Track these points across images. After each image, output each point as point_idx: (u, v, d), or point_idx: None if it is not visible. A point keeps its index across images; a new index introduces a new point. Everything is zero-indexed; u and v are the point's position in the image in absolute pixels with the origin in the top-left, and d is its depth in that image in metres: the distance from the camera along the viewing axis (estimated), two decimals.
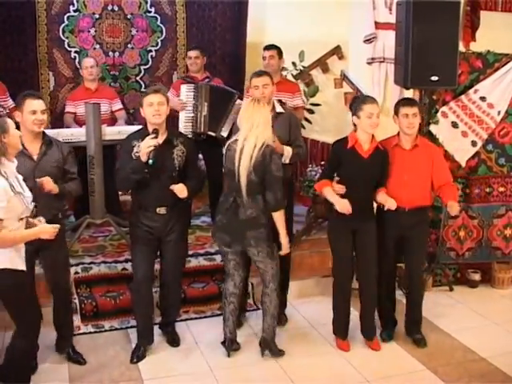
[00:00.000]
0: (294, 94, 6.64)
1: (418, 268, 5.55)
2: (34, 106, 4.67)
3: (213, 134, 6.66)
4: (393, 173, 5.24)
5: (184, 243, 5.46)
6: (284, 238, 5.05)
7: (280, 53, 6.67)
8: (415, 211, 5.29)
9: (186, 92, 6.83)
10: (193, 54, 7.16)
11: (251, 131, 4.87)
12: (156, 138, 4.90)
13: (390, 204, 5.07)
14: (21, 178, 4.26)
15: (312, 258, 6.55)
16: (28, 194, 4.21)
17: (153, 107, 4.92)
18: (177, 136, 5.20)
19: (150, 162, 4.85)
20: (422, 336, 5.56)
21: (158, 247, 5.27)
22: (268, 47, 6.73)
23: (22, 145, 4.45)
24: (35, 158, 4.77)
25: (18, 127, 4.37)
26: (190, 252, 6.41)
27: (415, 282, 5.54)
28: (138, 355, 5.25)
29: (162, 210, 5.11)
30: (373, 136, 5.15)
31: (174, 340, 5.50)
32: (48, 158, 4.80)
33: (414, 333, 5.57)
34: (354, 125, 5.17)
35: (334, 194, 5.12)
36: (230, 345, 5.32)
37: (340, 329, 5.48)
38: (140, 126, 5.41)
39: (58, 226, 4.27)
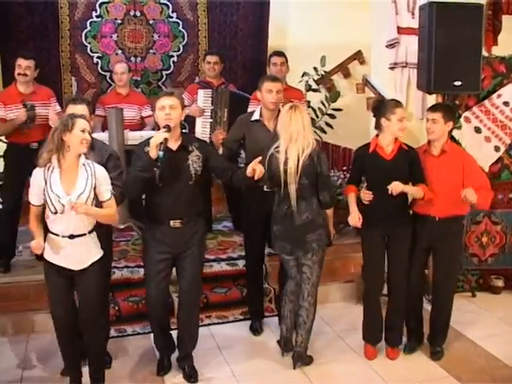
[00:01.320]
0: (300, 101, 6.62)
1: (446, 283, 5.40)
2: (74, 111, 4.65)
3: None
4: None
5: (201, 259, 5.13)
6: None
7: (287, 60, 6.72)
8: (447, 221, 5.20)
9: (204, 97, 6.84)
10: (212, 59, 7.15)
11: (291, 142, 4.89)
12: (168, 132, 4.62)
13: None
14: (83, 177, 4.35)
15: (334, 264, 6.52)
16: (72, 195, 4.28)
17: (164, 111, 4.67)
18: (192, 141, 4.91)
19: (161, 154, 4.51)
20: (440, 349, 5.46)
21: (173, 264, 4.95)
22: (279, 53, 6.75)
23: None
24: None
25: None
26: (212, 257, 6.45)
27: (442, 297, 5.43)
28: (163, 367, 5.15)
29: (176, 223, 4.81)
30: (396, 138, 5.14)
31: (191, 375, 5.08)
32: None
33: (435, 345, 5.47)
34: (377, 129, 5.16)
35: (353, 202, 5.14)
36: (286, 344, 5.31)
37: (370, 335, 5.43)
38: None
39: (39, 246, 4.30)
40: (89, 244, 4.46)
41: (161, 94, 5.03)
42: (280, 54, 6.72)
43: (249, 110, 6.38)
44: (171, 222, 4.79)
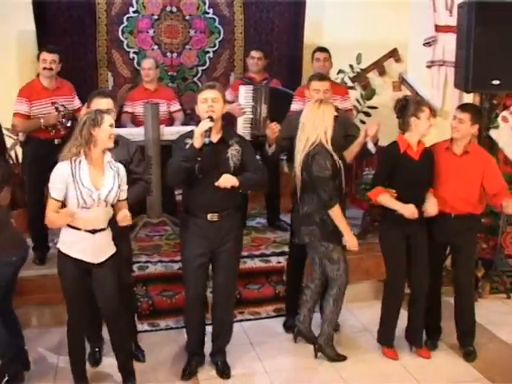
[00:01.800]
0: (343, 97, 6.61)
1: (466, 279, 5.40)
2: (99, 105, 4.72)
3: None
4: (441, 177, 5.18)
5: (237, 255, 5.12)
6: (346, 234, 5.07)
7: (330, 56, 6.70)
8: (462, 218, 5.19)
9: (245, 93, 6.85)
10: (257, 54, 7.16)
11: (302, 132, 5.01)
12: (211, 122, 4.63)
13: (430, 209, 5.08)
14: (111, 173, 4.43)
15: (367, 262, 6.50)
16: (101, 190, 4.35)
17: (207, 103, 4.69)
18: (232, 135, 4.95)
19: (206, 140, 4.58)
20: (473, 349, 5.43)
21: (210, 259, 4.96)
22: (322, 49, 6.73)
23: None
24: None
25: None
26: (246, 253, 6.45)
27: (463, 293, 5.41)
28: (189, 372, 5.10)
29: (214, 217, 4.82)
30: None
31: (223, 371, 5.10)
32: (114, 158, 4.76)
33: (466, 345, 5.44)
34: (401, 128, 5.15)
35: (394, 200, 5.07)
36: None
37: (388, 337, 5.41)
38: None
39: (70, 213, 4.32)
40: (107, 238, 4.54)
41: (202, 87, 5.08)
42: (323, 49, 6.71)
43: (292, 106, 6.40)
44: (209, 216, 4.81)
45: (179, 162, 4.66)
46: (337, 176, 5.02)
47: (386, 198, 5.08)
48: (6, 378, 4.76)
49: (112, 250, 4.58)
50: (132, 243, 6.34)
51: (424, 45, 6.79)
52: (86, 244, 4.41)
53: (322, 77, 5.59)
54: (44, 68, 6.13)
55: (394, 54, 8.16)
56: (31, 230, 6.29)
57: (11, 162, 6.52)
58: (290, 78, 7.85)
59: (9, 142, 5.90)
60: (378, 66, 8.28)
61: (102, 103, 4.77)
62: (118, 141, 4.78)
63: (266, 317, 6.06)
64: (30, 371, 4.99)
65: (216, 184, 4.68)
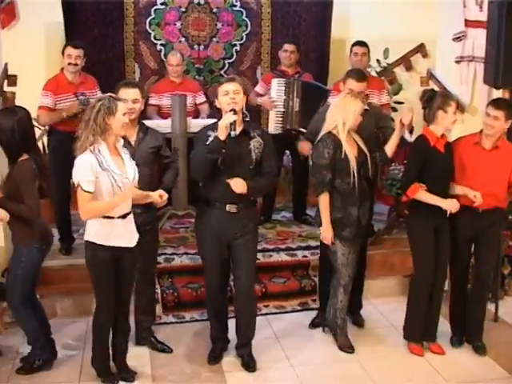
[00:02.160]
0: (380, 91, 6.61)
1: (487, 273, 5.42)
2: (126, 95, 4.77)
3: (304, 130, 6.64)
4: (468, 171, 5.14)
5: (255, 247, 5.14)
6: (323, 224, 5.14)
7: (369, 51, 6.69)
8: (490, 213, 5.17)
9: (277, 86, 6.87)
10: (290, 47, 7.16)
11: (324, 122, 5.13)
12: (235, 114, 4.68)
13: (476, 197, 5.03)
14: (127, 156, 4.52)
15: (393, 258, 6.51)
16: (128, 173, 4.44)
17: (228, 96, 4.73)
18: (254, 128, 4.98)
19: (233, 134, 4.64)
20: (482, 344, 5.41)
21: (229, 250, 4.98)
22: (360, 43, 6.74)
23: None
24: (133, 143, 4.89)
25: None
26: (271, 247, 6.50)
27: (481, 287, 5.39)
28: (214, 357, 5.20)
29: (232, 208, 4.84)
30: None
31: (249, 364, 5.12)
32: (145, 144, 4.92)
33: (475, 340, 5.43)
34: (426, 119, 5.15)
35: (433, 195, 5.02)
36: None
37: (415, 332, 5.39)
38: None
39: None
40: (133, 221, 4.61)
41: (222, 80, 5.16)
42: (362, 43, 6.72)
43: (329, 101, 6.38)
44: (227, 207, 4.84)
45: (204, 155, 4.70)
46: (340, 166, 5.02)
47: (425, 195, 5.03)
48: (36, 364, 4.89)
49: (137, 233, 4.67)
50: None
51: (453, 40, 6.72)
52: (121, 230, 4.48)
53: (360, 77, 5.45)
54: (69, 63, 6.15)
55: (421, 49, 8.11)
56: (57, 221, 6.34)
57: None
58: (317, 73, 7.83)
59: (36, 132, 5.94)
60: (405, 61, 8.24)
61: (129, 93, 4.82)
62: (148, 129, 4.99)
63: (291, 310, 6.05)
64: (56, 360, 5.04)
65: (227, 181, 4.72)
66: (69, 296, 5.89)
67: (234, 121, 4.66)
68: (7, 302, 5.01)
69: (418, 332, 5.39)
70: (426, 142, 5.08)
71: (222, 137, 4.64)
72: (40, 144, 6.77)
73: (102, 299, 4.63)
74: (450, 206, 5.01)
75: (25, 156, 4.55)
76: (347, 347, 5.36)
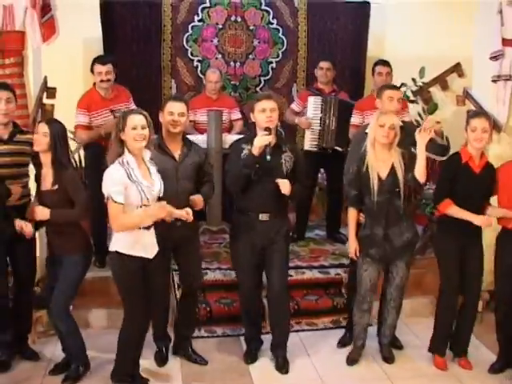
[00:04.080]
0: (402, 110, 6.64)
1: None
2: (172, 108, 4.95)
3: (340, 149, 6.73)
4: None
5: (287, 253, 5.38)
6: (349, 239, 5.33)
7: (391, 70, 6.77)
8: None
9: (314, 104, 6.97)
10: (325, 65, 7.23)
11: None
12: (269, 135, 4.88)
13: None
14: (154, 169, 4.65)
15: (427, 278, 6.55)
16: (155, 186, 4.57)
17: (265, 113, 4.93)
18: (285, 142, 5.21)
19: (268, 158, 4.88)
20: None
21: (262, 256, 5.22)
22: (384, 63, 6.80)
23: (165, 144, 4.92)
24: (177, 157, 5.02)
25: (160, 127, 4.89)
26: (304, 264, 6.57)
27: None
28: (251, 358, 5.44)
29: (264, 217, 5.10)
30: (482, 152, 5.15)
31: (282, 367, 5.33)
32: (188, 160, 5.04)
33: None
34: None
35: (462, 210, 5.06)
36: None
37: (439, 346, 5.45)
38: None
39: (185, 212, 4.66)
40: (154, 234, 4.68)
41: (259, 96, 5.28)
42: (386, 63, 6.77)
43: (352, 120, 6.52)
44: (260, 215, 5.09)
45: (239, 170, 4.93)
46: (364, 183, 5.07)
47: (456, 210, 5.08)
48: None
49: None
50: None
51: (490, 59, 6.75)
52: (145, 240, 4.59)
53: (395, 86, 5.73)
54: (101, 80, 6.24)
55: (457, 68, 8.17)
56: (93, 233, 6.45)
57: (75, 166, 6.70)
58: (352, 92, 7.89)
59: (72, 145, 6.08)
60: (441, 81, 8.29)
61: (176, 106, 4.97)
62: (192, 144, 5.15)
63: (322, 328, 6.09)
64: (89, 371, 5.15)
65: (277, 181, 4.94)
66: (101, 308, 6.00)
67: (270, 142, 4.88)
68: (49, 315, 5.06)
69: (442, 346, 5.44)
70: (457, 158, 5.15)
71: (256, 153, 4.87)
72: (76, 157, 6.95)
73: (131, 311, 4.68)
74: (482, 221, 5.05)
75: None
76: (352, 360, 5.46)
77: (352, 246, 5.23)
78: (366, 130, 5.28)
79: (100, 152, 5.83)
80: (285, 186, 4.95)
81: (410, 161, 5.07)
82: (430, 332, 5.63)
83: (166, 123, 4.96)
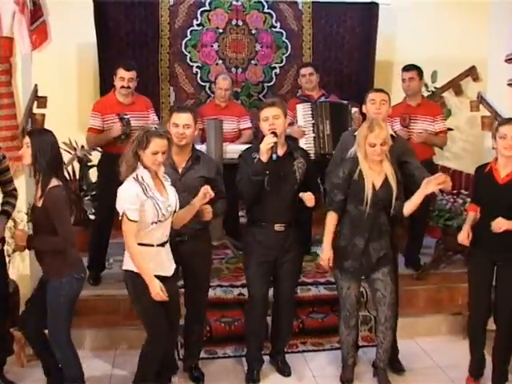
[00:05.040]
0: (435, 118, 6.56)
1: None
2: (177, 120, 4.89)
3: None
4: None
5: (300, 265, 5.45)
6: (324, 245, 5.12)
7: (420, 73, 6.66)
8: None
9: (303, 112, 6.84)
10: (307, 70, 7.18)
11: None
12: (275, 136, 4.84)
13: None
14: (168, 183, 4.61)
15: (440, 294, 6.42)
16: (170, 200, 4.52)
17: (268, 122, 4.93)
18: (296, 149, 5.24)
19: (274, 156, 4.83)
20: None
21: (273, 269, 5.20)
22: (407, 68, 6.70)
23: (171, 158, 4.74)
24: (180, 170, 4.95)
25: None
26: (310, 280, 6.47)
27: None
28: (252, 379, 5.32)
29: (279, 227, 5.09)
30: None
31: (284, 369, 5.45)
32: (193, 173, 4.94)
33: None
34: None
35: (468, 220, 5.06)
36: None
37: (473, 369, 5.29)
38: None
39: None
40: (170, 250, 4.64)
41: (263, 104, 5.27)
42: (408, 68, 6.70)
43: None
44: (276, 226, 5.09)
45: (249, 177, 4.92)
46: (354, 191, 4.93)
47: (467, 217, 5.14)
48: None
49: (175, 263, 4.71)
50: None
51: (506, 61, 6.67)
52: (161, 258, 4.53)
53: (378, 90, 5.52)
54: (122, 87, 6.19)
55: (471, 72, 8.06)
56: (92, 246, 6.36)
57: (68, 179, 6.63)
58: (360, 97, 7.75)
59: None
60: (455, 85, 8.20)
61: (181, 118, 4.91)
62: (200, 157, 5.05)
63: (330, 348, 5.96)
64: None
65: (301, 195, 4.95)
66: (95, 329, 5.88)
67: (275, 143, 4.83)
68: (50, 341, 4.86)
69: (474, 370, 5.28)
70: (482, 168, 5.12)
71: (264, 159, 4.85)
72: (70, 169, 6.89)
73: (154, 331, 4.58)
74: (460, 236, 5.04)
75: (55, 182, 4.53)
76: (346, 380, 5.34)
77: (326, 254, 5.04)
78: (355, 133, 5.13)
79: (110, 160, 5.71)
80: (309, 198, 4.94)
81: (399, 184, 4.96)
82: (443, 351, 5.54)
83: (172, 136, 4.80)
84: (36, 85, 6.49)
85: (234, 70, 8.24)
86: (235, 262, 6.84)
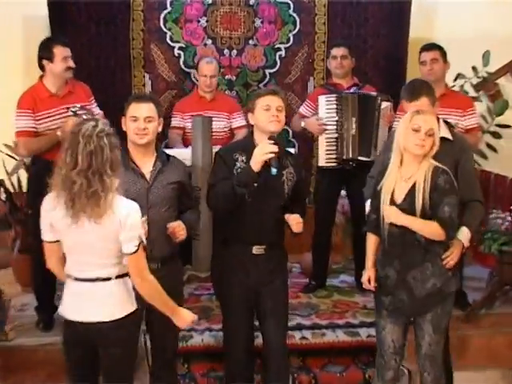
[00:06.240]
0: (465, 111, 6.47)
1: None
2: (135, 112, 4.80)
3: (366, 159, 6.55)
4: None
5: (286, 293, 5.31)
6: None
7: (444, 54, 6.57)
8: None
9: (326, 105, 6.81)
10: (339, 51, 7.08)
11: None
12: (275, 144, 4.78)
13: None
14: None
15: (495, 341, 6.35)
16: None
17: (270, 112, 4.86)
18: (286, 155, 5.16)
19: (274, 171, 4.76)
20: None
21: (254, 303, 5.16)
22: (428, 47, 6.68)
23: (132, 161, 4.85)
24: (148, 177, 4.87)
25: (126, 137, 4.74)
26: (325, 323, 6.42)
27: None
28: None
29: (259, 250, 5.03)
30: None
31: None
32: (163, 179, 4.88)
33: None
34: None
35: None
36: None
37: None
38: None
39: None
40: None
41: (262, 91, 5.23)
42: (429, 47, 6.66)
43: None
44: (254, 248, 5.03)
45: (230, 187, 4.80)
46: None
47: None
48: None
49: None
50: None
51: None
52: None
53: (412, 96, 5.20)
54: (68, 68, 6.09)
55: None
56: (36, 283, 6.29)
57: (11, 191, 6.56)
58: (389, 85, 7.75)
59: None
60: None
61: (141, 109, 4.82)
62: (170, 159, 5.07)
63: None
64: None
65: (286, 218, 4.96)
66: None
67: (276, 153, 4.75)
68: None
69: None
70: None
71: (256, 168, 4.75)
72: (15, 179, 6.82)
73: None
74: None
75: None
76: None
77: (366, 276, 5.05)
78: None
79: (48, 169, 5.56)
80: (297, 223, 4.93)
81: (444, 190, 4.68)
82: None
83: (130, 132, 4.81)
84: None
85: (227, 51, 8.22)
86: None
